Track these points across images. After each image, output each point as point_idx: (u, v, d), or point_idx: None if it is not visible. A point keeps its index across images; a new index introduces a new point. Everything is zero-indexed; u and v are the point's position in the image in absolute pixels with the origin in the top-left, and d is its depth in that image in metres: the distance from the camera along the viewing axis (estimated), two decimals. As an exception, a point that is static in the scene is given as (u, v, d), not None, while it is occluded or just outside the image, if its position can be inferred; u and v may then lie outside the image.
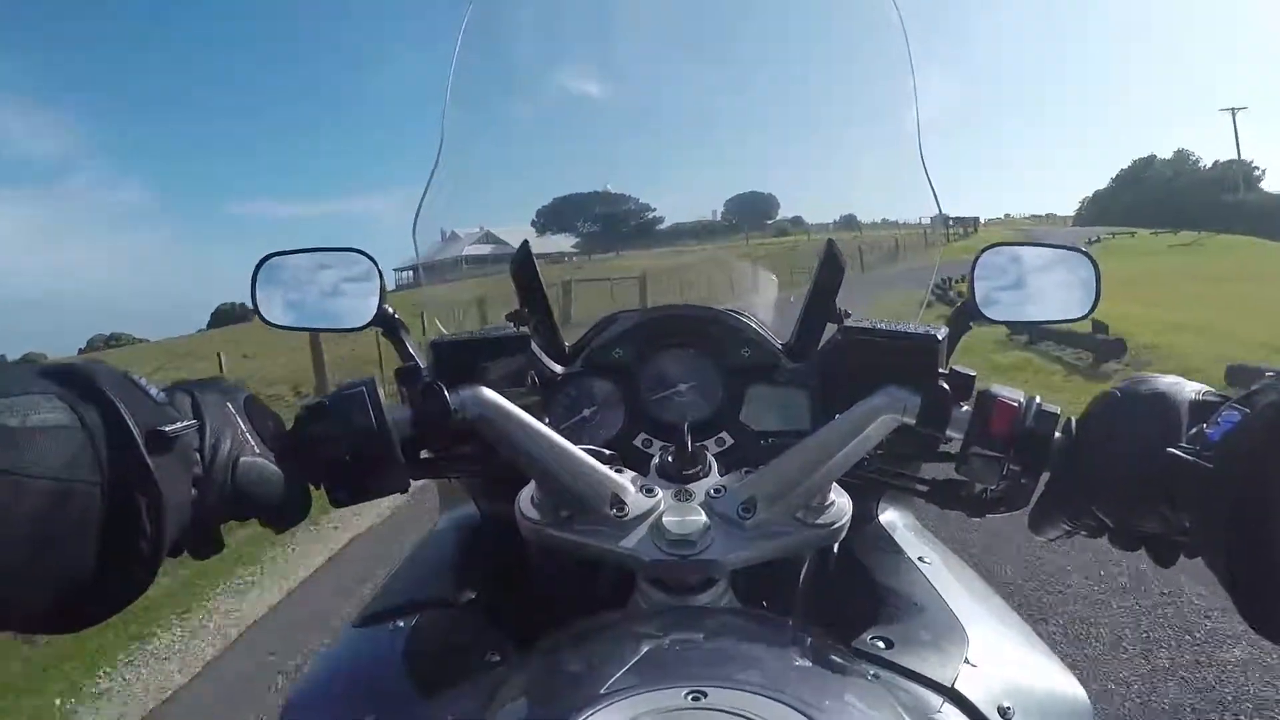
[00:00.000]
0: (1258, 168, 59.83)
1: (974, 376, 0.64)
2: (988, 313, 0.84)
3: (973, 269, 0.84)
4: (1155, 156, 68.29)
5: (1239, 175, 54.62)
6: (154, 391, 0.51)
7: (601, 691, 0.41)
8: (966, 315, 0.85)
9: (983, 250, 0.86)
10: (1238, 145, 57.57)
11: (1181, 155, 67.89)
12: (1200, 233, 32.63)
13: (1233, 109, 56.28)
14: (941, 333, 0.67)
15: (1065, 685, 0.66)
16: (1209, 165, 63.51)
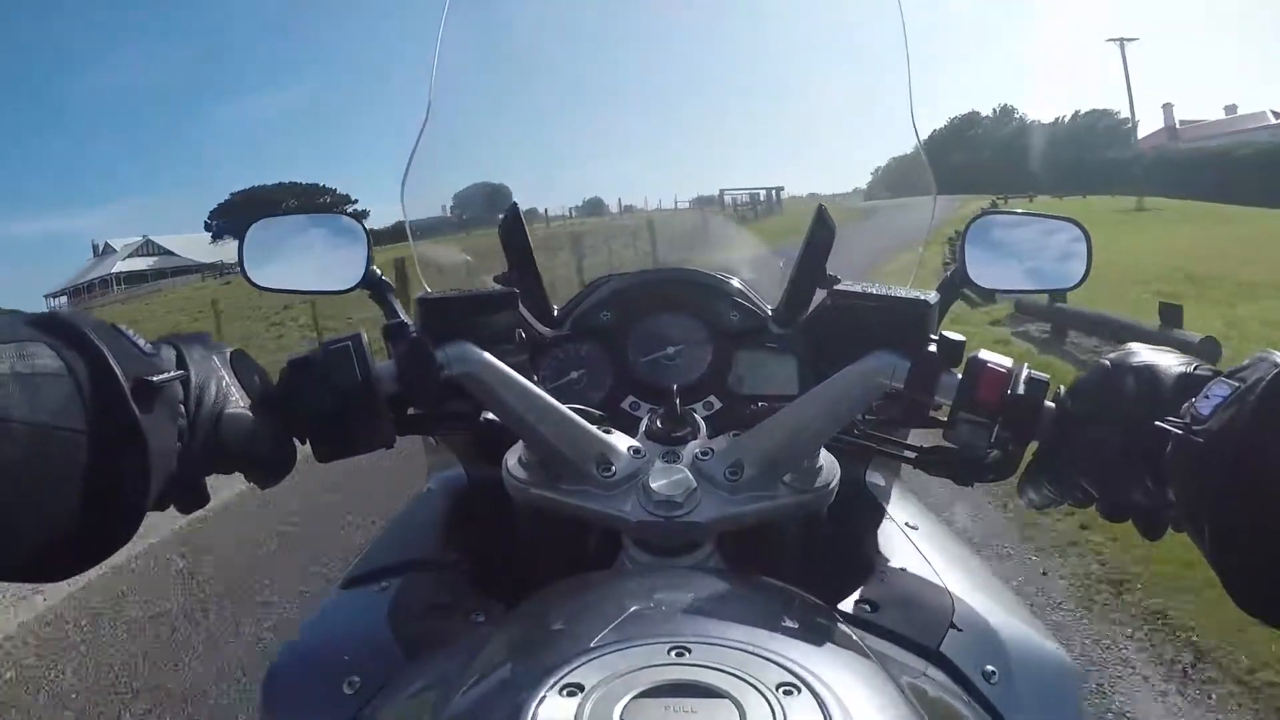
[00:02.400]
0: (1125, 118, 46.84)
1: (964, 342, 0.64)
2: (978, 280, 0.84)
3: (963, 237, 0.84)
4: (978, 113, 58.81)
5: (1132, 125, 44.98)
6: (141, 342, 0.51)
7: (585, 648, 0.41)
8: (957, 283, 0.85)
9: (974, 219, 0.86)
10: (1129, 86, 44.05)
11: (1007, 110, 58.51)
12: (1112, 196, 26.20)
13: (1121, 40, 43.08)
14: (933, 298, 0.66)
15: (1048, 648, 0.67)
16: (1069, 117, 52.59)
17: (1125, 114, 46.89)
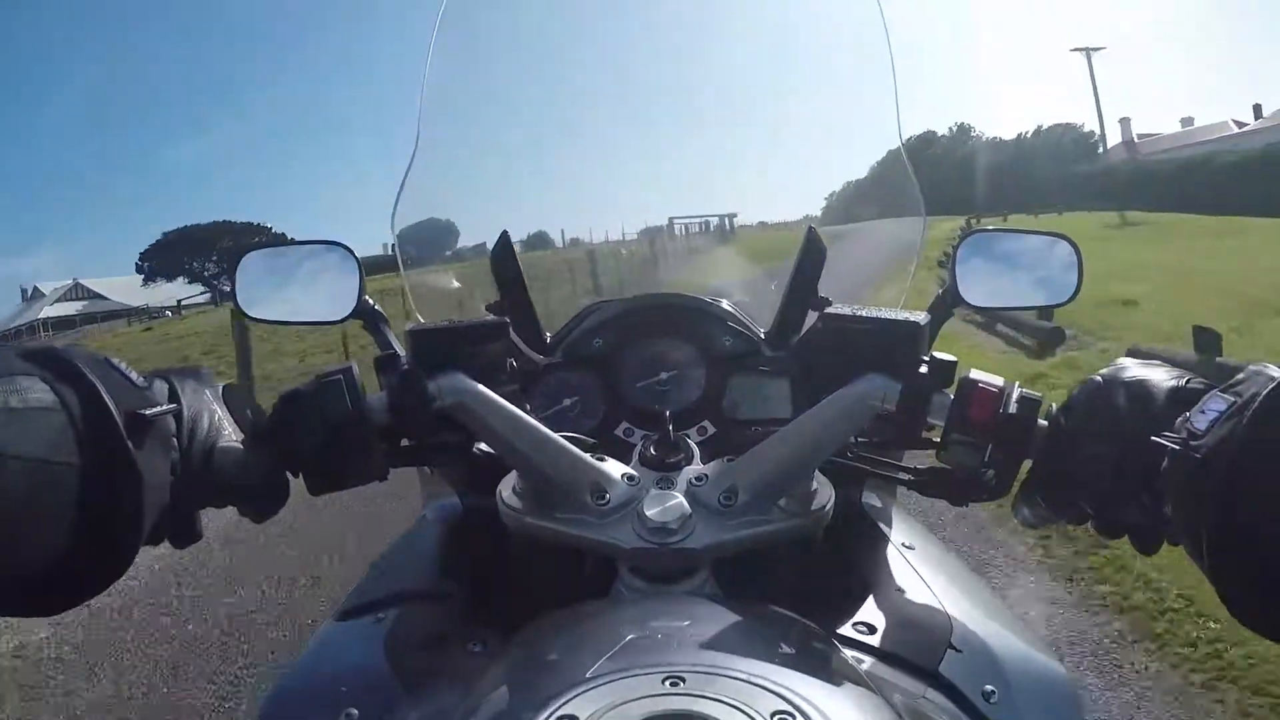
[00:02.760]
0: (1090, 131, 44.58)
1: (955, 363, 0.64)
2: (969, 299, 0.84)
3: (954, 255, 0.84)
4: (934, 132, 54.95)
5: (1100, 138, 42.20)
6: (134, 375, 0.51)
7: (580, 678, 0.41)
8: (949, 301, 0.85)
9: (964, 236, 0.86)
10: (1097, 99, 40.43)
11: (964, 128, 56.56)
12: (1089, 212, 25.18)
13: (1088, 50, 39.49)
14: (923, 319, 0.66)
15: (1048, 668, 0.67)
16: (1031, 132, 50.53)
17: (1089, 127, 45.48)
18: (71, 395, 0.45)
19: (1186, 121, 43.03)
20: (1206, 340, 5.15)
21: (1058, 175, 38.41)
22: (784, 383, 0.89)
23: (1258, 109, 37.08)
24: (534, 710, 0.38)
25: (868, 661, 0.62)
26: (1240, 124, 35.70)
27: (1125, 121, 44.27)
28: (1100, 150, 42.57)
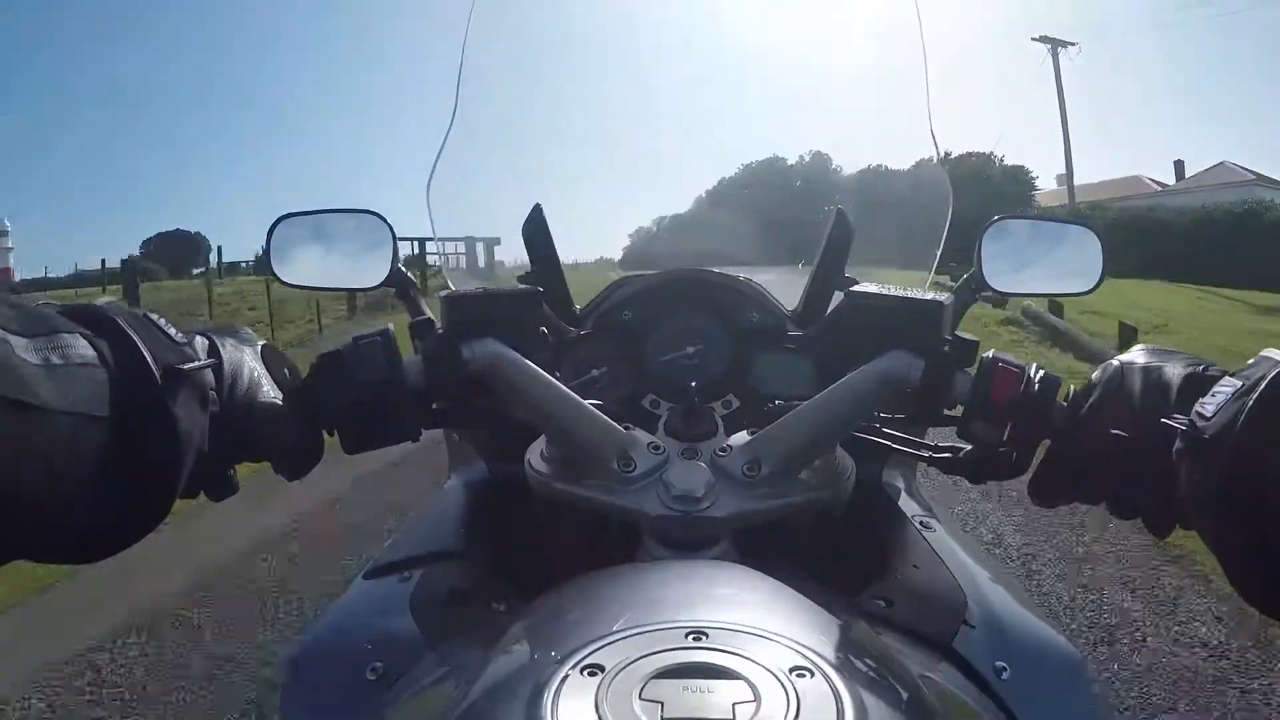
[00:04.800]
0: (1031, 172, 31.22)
1: (977, 343, 0.65)
2: (994, 284, 0.85)
3: (980, 241, 0.85)
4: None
5: (1069, 172, 29.15)
6: (173, 332, 0.52)
7: (605, 631, 0.42)
8: (973, 287, 0.86)
9: (990, 223, 0.87)
10: (1064, 120, 27.70)
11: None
12: None
13: (1054, 43, 27.23)
14: (946, 299, 0.67)
15: (1060, 645, 0.68)
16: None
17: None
18: (110, 350, 0.46)
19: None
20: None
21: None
22: (809, 360, 0.90)
23: (1179, 166, 33.71)
24: (560, 660, 0.39)
25: (883, 633, 0.63)
26: (1159, 182, 32.69)
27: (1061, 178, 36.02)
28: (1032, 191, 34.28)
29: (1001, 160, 31.00)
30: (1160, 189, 31.45)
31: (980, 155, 30.52)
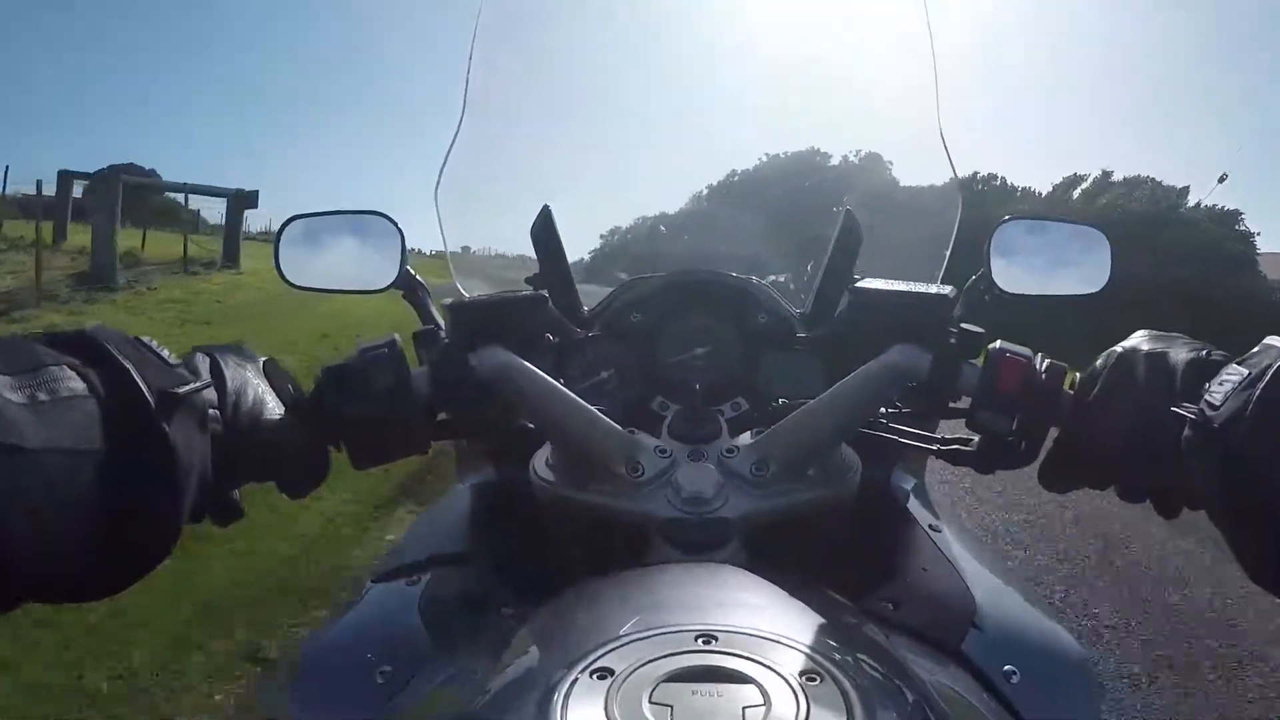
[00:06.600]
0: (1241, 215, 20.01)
1: (983, 334, 0.65)
2: (1002, 285, 0.85)
3: (989, 242, 0.85)
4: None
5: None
6: (166, 354, 0.50)
7: (615, 635, 0.42)
8: (983, 288, 0.85)
9: (998, 224, 0.87)
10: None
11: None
12: None
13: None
14: (952, 291, 0.67)
15: (1068, 649, 0.68)
16: None
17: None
18: (101, 380, 0.44)
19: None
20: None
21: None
22: (817, 362, 0.90)
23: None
24: (571, 663, 0.39)
25: (891, 636, 0.63)
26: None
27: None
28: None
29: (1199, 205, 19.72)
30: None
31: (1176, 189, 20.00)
